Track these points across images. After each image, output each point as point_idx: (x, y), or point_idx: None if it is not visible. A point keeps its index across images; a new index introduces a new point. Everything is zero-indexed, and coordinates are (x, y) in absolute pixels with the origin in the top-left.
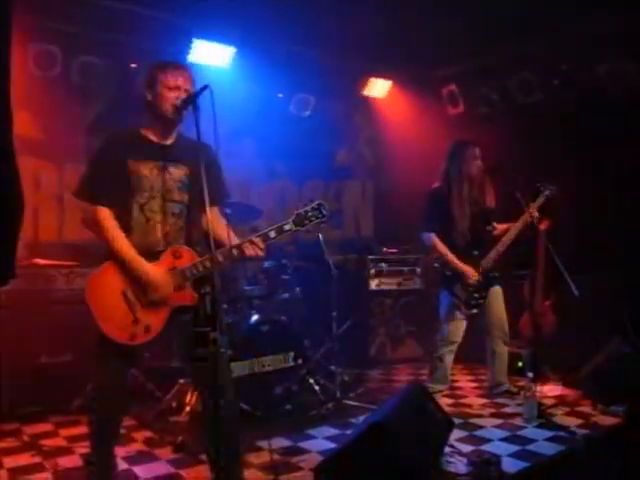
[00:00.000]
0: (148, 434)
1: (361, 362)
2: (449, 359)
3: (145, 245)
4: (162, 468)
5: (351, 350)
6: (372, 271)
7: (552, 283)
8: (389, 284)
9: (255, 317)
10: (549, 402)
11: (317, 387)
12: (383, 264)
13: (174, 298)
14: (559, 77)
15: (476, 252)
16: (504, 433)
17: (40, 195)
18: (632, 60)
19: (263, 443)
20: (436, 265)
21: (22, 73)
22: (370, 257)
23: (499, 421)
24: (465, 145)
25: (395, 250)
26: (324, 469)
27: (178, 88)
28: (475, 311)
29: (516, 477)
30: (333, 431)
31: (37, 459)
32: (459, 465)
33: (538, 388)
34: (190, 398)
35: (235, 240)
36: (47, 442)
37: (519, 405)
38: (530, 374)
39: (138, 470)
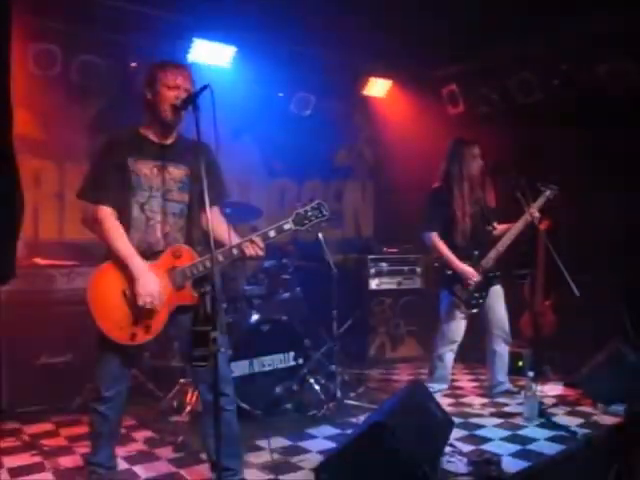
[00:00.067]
0: (148, 434)
1: (361, 362)
2: (449, 359)
3: (145, 245)
4: (162, 468)
5: (351, 350)
6: (372, 271)
7: (552, 283)
8: (389, 284)
9: (255, 317)
10: (549, 401)
11: (317, 387)
12: (383, 264)
13: (174, 298)
14: (559, 77)
15: (476, 252)
16: (504, 432)
17: (40, 194)
18: (632, 60)
19: (263, 443)
20: (436, 265)
21: (22, 72)
22: (370, 257)
23: (499, 420)
24: (465, 144)
25: (395, 250)
26: (324, 469)
27: (178, 87)
28: (475, 311)
29: (516, 477)
30: (333, 431)
31: (37, 459)
32: (459, 464)
33: (539, 387)
34: (191, 398)
35: (236, 240)
36: (47, 442)
37: (519, 404)
38: (530, 373)
39: (138, 470)
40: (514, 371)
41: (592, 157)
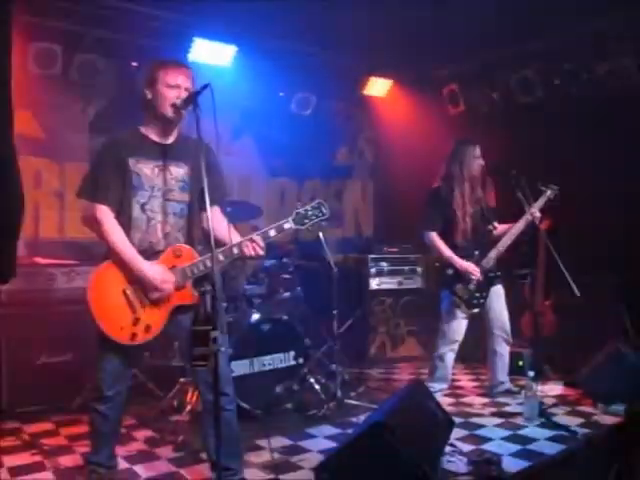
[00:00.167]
0: (149, 433)
1: (362, 361)
2: (450, 358)
3: (146, 244)
4: (163, 467)
5: (352, 349)
6: (372, 270)
7: (553, 283)
8: (390, 283)
9: (256, 316)
10: (550, 401)
11: (317, 386)
12: (384, 263)
13: (174, 297)
14: (560, 77)
15: (477, 252)
16: (505, 432)
17: (40, 193)
18: (632, 60)
19: (263, 442)
20: (437, 264)
21: (22, 71)
22: (370, 256)
23: (500, 420)
24: (466, 144)
25: (395, 249)
26: (325, 468)
27: (178, 86)
28: (476, 310)
29: (517, 476)
30: (334, 430)
31: (37, 458)
32: (460, 464)
33: (539, 387)
34: (191, 397)
35: (237, 239)
36: (47, 441)
37: (520, 404)
38: (531, 373)
39: (139, 469)
40: (514, 371)
41: (592, 157)
